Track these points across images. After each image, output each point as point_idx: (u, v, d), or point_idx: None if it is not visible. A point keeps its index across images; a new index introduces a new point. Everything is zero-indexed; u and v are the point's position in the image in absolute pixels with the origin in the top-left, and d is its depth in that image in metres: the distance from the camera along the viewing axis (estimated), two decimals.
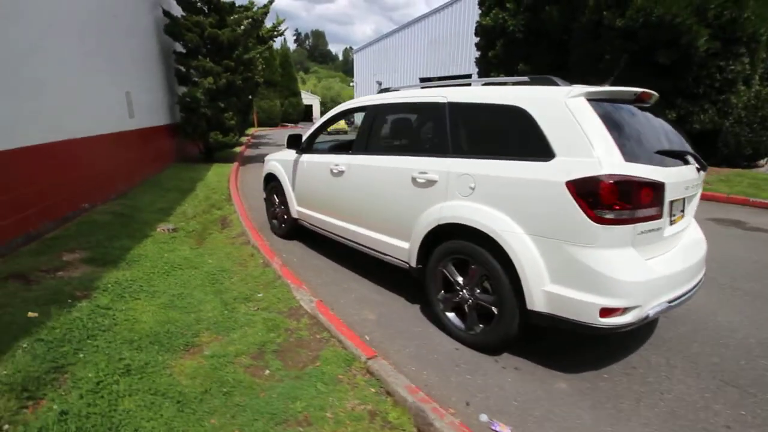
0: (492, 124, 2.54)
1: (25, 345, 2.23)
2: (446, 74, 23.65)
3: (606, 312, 2.06)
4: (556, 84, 2.38)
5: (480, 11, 11.86)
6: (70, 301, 2.84)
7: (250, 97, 14.13)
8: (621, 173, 1.98)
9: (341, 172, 3.59)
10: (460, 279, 2.68)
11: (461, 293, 2.68)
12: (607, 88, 2.27)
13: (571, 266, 2.10)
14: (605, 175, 1.98)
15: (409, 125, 3.18)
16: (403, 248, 3.07)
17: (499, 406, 2.15)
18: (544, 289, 2.20)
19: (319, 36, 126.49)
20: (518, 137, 2.38)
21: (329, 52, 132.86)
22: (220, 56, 9.90)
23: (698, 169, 2.44)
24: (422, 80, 25.52)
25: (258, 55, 11.01)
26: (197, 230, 5.03)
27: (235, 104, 10.66)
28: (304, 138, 4.28)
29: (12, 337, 2.29)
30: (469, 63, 21.68)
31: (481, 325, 2.60)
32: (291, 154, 4.52)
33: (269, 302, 3.10)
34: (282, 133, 28.99)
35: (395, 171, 3.04)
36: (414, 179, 2.87)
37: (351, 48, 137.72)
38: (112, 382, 2.03)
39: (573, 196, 2.05)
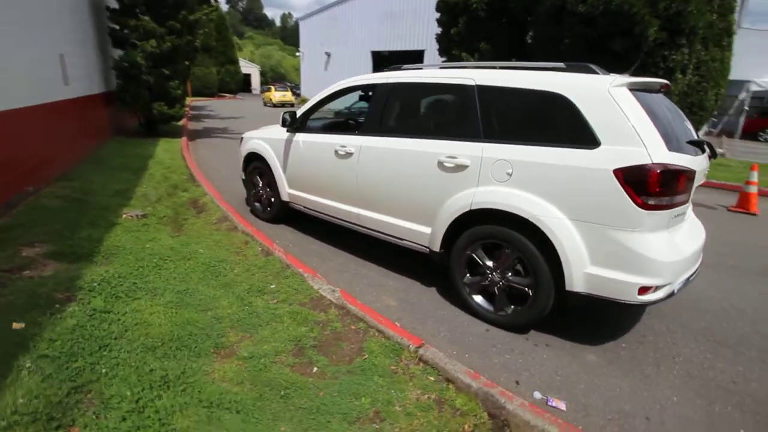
0: (529, 110, 2.55)
1: (28, 364, 1.88)
2: (401, 48, 23.29)
3: (643, 290, 2.22)
4: (594, 72, 2.43)
5: None
6: (56, 305, 2.44)
7: (187, 63, 12.78)
8: (667, 162, 2.10)
9: (349, 154, 3.41)
10: (489, 263, 2.73)
11: (491, 276, 2.73)
12: (643, 78, 2.36)
13: (615, 249, 2.22)
14: (654, 164, 2.09)
15: (431, 107, 3.08)
16: (423, 233, 3.04)
17: (545, 382, 2.26)
18: (585, 271, 2.31)
19: None
20: (559, 124, 2.41)
21: (265, 16, 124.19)
22: (162, 16, 8.77)
23: (709, 157, 2.68)
24: (374, 54, 24.92)
25: (205, 17, 9.92)
26: (169, 216, 4.55)
27: (182, 72, 9.62)
28: (297, 116, 3.99)
29: (7, 355, 1.92)
30: (425, 39, 21.56)
31: (512, 306, 2.68)
32: (280, 132, 4.20)
33: (286, 294, 2.92)
34: (222, 105, 27.03)
35: (418, 154, 2.96)
36: (441, 163, 2.81)
37: (290, 14, 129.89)
38: (153, 397, 1.80)
39: (620, 183, 2.15)
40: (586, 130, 2.28)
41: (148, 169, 6.72)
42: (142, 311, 2.50)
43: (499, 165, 2.55)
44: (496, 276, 2.71)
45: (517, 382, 2.25)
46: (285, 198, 4.27)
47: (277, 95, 26.12)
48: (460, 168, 2.73)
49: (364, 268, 3.60)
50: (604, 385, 2.26)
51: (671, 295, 2.33)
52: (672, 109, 2.60)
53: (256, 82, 55.19)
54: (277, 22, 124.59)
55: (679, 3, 7.63)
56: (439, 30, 12.51)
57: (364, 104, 15.49)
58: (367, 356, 2.27)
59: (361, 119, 4.58)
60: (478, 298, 2.84)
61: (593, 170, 2.23)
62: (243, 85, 44.19)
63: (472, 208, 2.66)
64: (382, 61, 27.81)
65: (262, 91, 42.70)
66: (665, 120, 2.34)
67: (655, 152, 2.11)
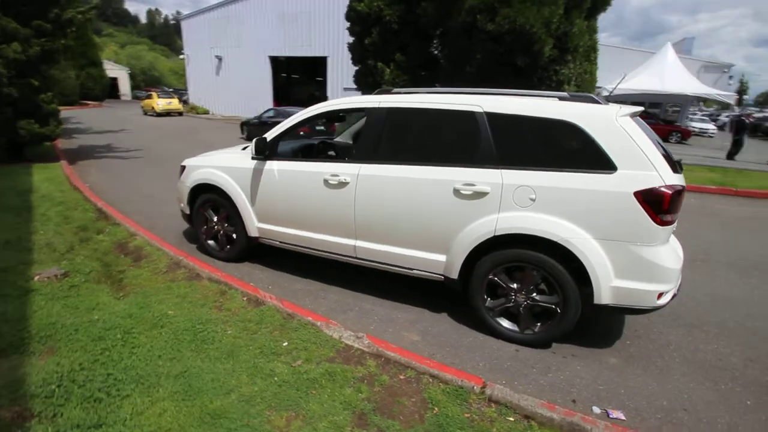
0: (544, 138, 2.67)
1: None
2: (302, 54, 22.59)
3: (659, 295, 2.51)
4: (597, 102, 2.65)
5: None
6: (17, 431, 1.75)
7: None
8: (675, 183, 2.40)
9: (343, 184, 3.16)
10: (513, 285, 2.79)
11: (514, 298, 2.80)
12: (636, 108, 2.66)
13: (636, 262, 2.46)
14: (666, 186, 2.37)
15: (437, 133, 3.01)
16: (436, 261, 2.97)
17: (593, 394, 2.39)
18: (611, 284, 2.52)
19: None
20: (575, 151, 2.58)
21: (127, 12, 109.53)
22: (25, 15, 7.03)
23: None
24: (273, 59, 23.78)
25: (81, 15, 8.25)
26: (98, 270, 3.67)
27: (53, 81, 7.87)
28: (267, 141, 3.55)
29: None
30: (327, 45, 21.30)
31: (538, 324, 2.79)
32: (242, 159, 3.71)
33: (307, 351, 2.57)
34: (90, 115, 22.98)
35: (430, 183, 2.88)
36: (457, 191, 2.78)
37: (157, 10, 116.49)
38: None
39: (640, 203, 2.38)
40: (603, 157, 2.48)
41: (35, 207, 5.34)
42: (145, 414, 1.95)
43: (522, 191, 2.63)
44: (520, 297, 2.79)
45: (574, 401, 2.34)
46: (253, 233, 3.78)
47: (161, 103, 23.22)
48: (479, 195, 2.73)
49: (366, 302, 3.38)
50: (637, 385, 2.49)
51: (674, 296, 2.68)
52: (649, 130, 2.99)
53: (125, 86, 48.18)
54: (142, 19, 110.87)
55: (566, 24, 8.89)
56: (350, 39, 12.52)
57: (272, 113, 14.74)
58: (437, 409, 2.12)
59: (337, 143, 4.35)
60: (503, 321, 2.89)
61: (615, 193, 2.43)
62: (110, 90, 38.16)
63: (497, 234, 2.69)
64: (282, 67, 26.81)
65: (138, 98, 37.53)
66: (656, 143, 2.67)
67: (665, 175, 2.39)
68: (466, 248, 2.81)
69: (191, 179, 4.04)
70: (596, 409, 2.28)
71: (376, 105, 3.16)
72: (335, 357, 2.53)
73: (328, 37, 21.01)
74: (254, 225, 3.75)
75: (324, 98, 22.72)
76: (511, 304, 2.82)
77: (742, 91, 45.32)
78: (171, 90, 33.46)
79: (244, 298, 3.18)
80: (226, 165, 3.81)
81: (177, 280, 3.51)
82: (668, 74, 16.07)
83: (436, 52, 11.26)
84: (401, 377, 2.38)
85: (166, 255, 4.00)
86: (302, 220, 3.47)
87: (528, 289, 2.76)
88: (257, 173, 3.60)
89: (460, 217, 2.81)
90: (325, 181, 3.24)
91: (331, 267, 3.75)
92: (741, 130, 14.29)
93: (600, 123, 2.51)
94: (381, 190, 3.05)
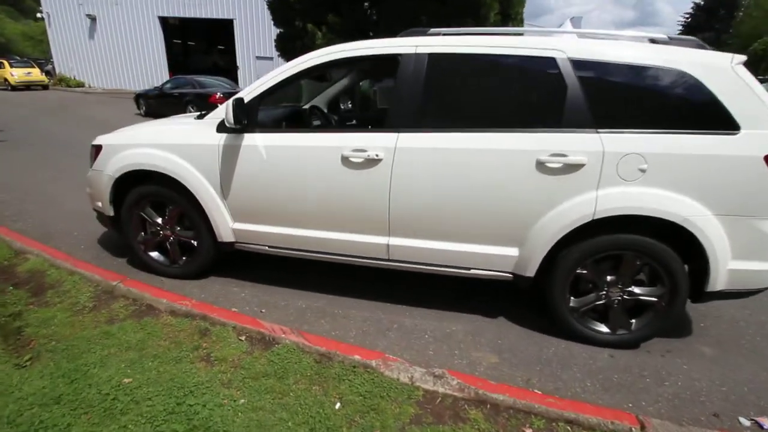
0: (652, 91, 2.09)
1: None
2: (200, 16, 19.38)
3: None
4: (703, 47, 2.15)
5: None
6: None
7: None
8: None
9: (372, 161, 2.27)
10: (606, 277, 2.26)
11: (606, 293, 2.27)
12: (742, 56, 2.21)
13: (760, 239, 2.07)
14: None
15: (506, 87, 2.25)
16: (506, 257, 2.30)
17: (722, 399, 2.01)
18: (728, 268, 2.11)
19: None
20: (691, 107, 2.06)
21: None
22: None
23: None
24: (163, 21, 20.11)
25: None
26: None
27: None
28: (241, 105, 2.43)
29: None
30: (232, 5, 18.56)
31: (632, 322, 2.32)
32: (203, 133, 2.56)
33: (377, 412, 1.72)
34: None
35: (502, 155, 2.15)
36: (541, 164, 2.10)
37: None
38: None
39: None
40: (722, 113, 2.00)
41: None
42: None
43: (629, 160, 2.04)
44: (613, 292, 2.27)
45: (716, 415, 1.91)
46: (226, 237, 2.68)
47: (16, 73, 18.37)
48: (571, 168, 2.09)
49: (400, 314, 2.59)
50: (753, 378, 2.16)
51: None
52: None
53: None
54: None
55: None
56: None
57: (175, 82, 12.34)
58: None
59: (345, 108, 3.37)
60: (592, 323, 2.36)
61: (742, 158, 1.98)
62: None
63: (596, 217, 2.09)
64: (177, 32, 23.08)
65: None
66: None
67: None
68: (550, 238, 2.18)
69: (115, 165, 2.72)
70: (744, 421, 1.88)
71: (411, 51, 2.29)
72: (421, 415, 1.74)
73: None
74: (228, 226, 2.66)
75: (233, 68, 20.14)
76: (603, 302, 2.30)
77: None
78: (25, 59, 26.67)
79: (242, 337, 2.16)
80: (176, 142, 2.60)
81: (118, 320, 2.31)
82: None
83: (374, 13, 10.27)
84: (511, 420, 1.69)
85: (85, 280, 2.69)
86: (306, 215, 2.50)
87: (625, 282, 2.25)
88: (230, 152, 2.49)
89: (544, 199, 2.15)
90: (345, 159, 2.31)
91: (329, 269, 2.84)
92: None
93: (717, 72, 2.01)
94: (430, 167, 2.23)
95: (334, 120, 3.72)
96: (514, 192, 2.18)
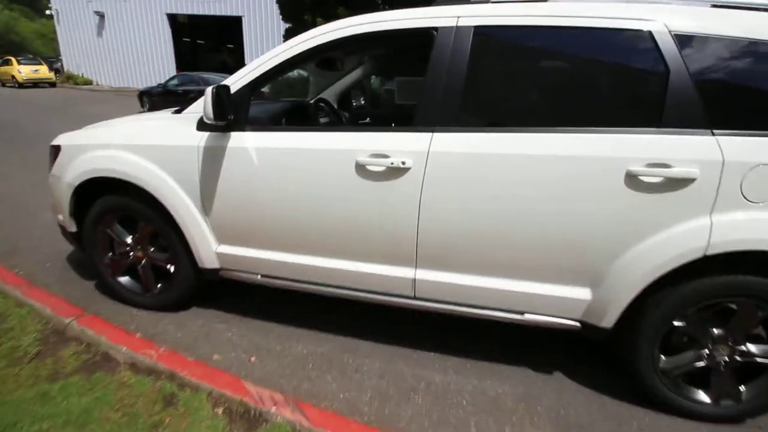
0: None
1: None
2: (208, 13, 19.00)
3: None
4: None
5: None
6: None
7: None
8: None
9: (397, 170, 1.71)
10: (714, 332, 1.66)
11: (712, 353, 1.67)
12: None
13: None
14: None
15: (580, 73, 1.67)
16: (575, 300, 1.71)
17: None
18: None
19: None
20: None
21: None
22: None
23: None
24: (171, 18, 19.79)
25: None
26: None
27: None
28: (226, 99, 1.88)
29: None
30: (241, 2, 18.15)
31: (742, 388, 1.71)
32: (180, 131, 2.02)
33: None
34: None
35: (577, 164, 1.56)
36: (633, 177, 1.51)
37: None
38: None
39: None
40: None
41: None
42: None
43: (759, 173, 1.45)
44: (721, 351, 1.67)
45: None
46: (209, 263, 2.13)
47: (23, 70, 18.20)
48: (676, 183, 1.50)
49: (430, 367, 1.99)
50: None
51: None
52: None
53: None
54: None
55: None
56: None
57: (180, 79, 11.90)
58: None
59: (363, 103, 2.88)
60: (687, 389, 1.76)
61: None
62: None
63: (710, 252, 1.50)
64: (185, 30, 22.78)
65: None
66: None
67: None
68: (640, 279, 1.58)
69: (75, 171, 2.19)
70: None
71: (451, 23, 1.71)
72: None
73: None
74: (210, 249, 2.11)
75: (241, 66, 19.64)
76: (705, 362, 1.70)
77: None
78: (34, 57, 26.61)
79: (219, 410, 1.59)
80: (144, 142, 2.05)
81: (63, 376, 1.77)
82: None
83: (386, 7, 9.70)
84: None
85: (35, 314, 2.16)
86: (308, 238, 1.94)
87: (738, 338, 1.65)
88: (213, 155, 1.94)
89: (635, 225, 1.56)
90: (360, 167, 1.74)
91: (336, 300, 2.28)
92: None
93: None
94: (474, 178, 1.66)
95: (345, 117, 3.16)
96: (592, 214, 1.59)
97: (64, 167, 2.26)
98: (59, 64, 22.85)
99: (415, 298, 1.90)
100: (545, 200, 1.61)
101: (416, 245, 1.79)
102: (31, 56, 23.42)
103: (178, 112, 2.17)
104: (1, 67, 19.16)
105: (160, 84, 12.36)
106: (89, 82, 21.31)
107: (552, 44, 1.67)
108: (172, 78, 12.35)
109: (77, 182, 2.19)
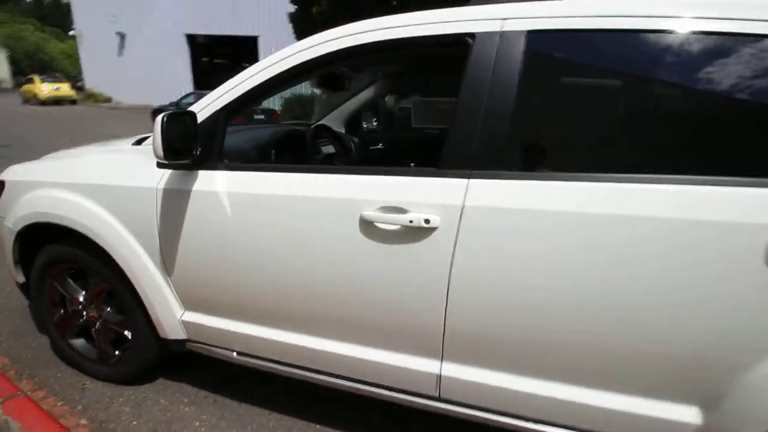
0: None
1: None
2: (223, 33, 19.22)
3: None
4: None
5: None
6: None
7: None
8: None
9: (419, 231, 1.21)
10: None
11: None
12: None
13: None
14: None
15: (693, 94, 1.17)
16: (676, 423, 1.17)
17: None
18: None
19: None
20: None
21: None
22: None
23: None
24: (190, 38, 20.12)
25: None
26: None
27: None
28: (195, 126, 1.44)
29: None
30: (258, 21, 18.37)
31: None
32: (138, 166, 1.57)
33: None
34: None
35: (688, 229, 1.04)
36: None
37: None
38: None
39: None
40: None
41: None
42: None
43: None
44: None
45: None
46: (173, 334, 1.66)
47: (45, 88, 18.63)
48: None
49: None
50: None
51: None
52: None
53: (3, 71, 40.28)
54: None
55: None
56: (292, 8, 10.30)
57: (193, 97, 11.78)
58: None
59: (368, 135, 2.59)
60: None
61: None
62: None
63: None
64: (203, 50, 23.16)
65: (20, 84, 31.15)
66: None
67: None
68: None
69: (16, 214, 1.77)
70: None
71: (494, 28, 1.23)
72: None
73: (259, 13, 18.05)
74: (174, 317, 1.63)
75: None
76: None
77: None
78: (58, 75, 27.45)
79: None
80: (92, 181, 1.62)
81: None
82: None
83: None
84: None
85: None
86: (297, 310, 1.45)
87: None
88: (176, 200, 1.48)
89: None
90: (366, 224, 1.26)
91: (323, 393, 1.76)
92: None
93: None
94: (530, 244, 1.15)
95: (353, 144, 2.69)
96: (711, 300, 1.06)
97: (8, 207, 1.84)
98: (82, 82, 23.43)
99: (439, 399, 1.38)
100: (637, 278, 1.09)
101: (443, 332, 1.28)
102: (55, 74, 24.14)
103: (138, 142, 1.74)
104: (25, 86, 19.68)
105: (173, 103, 12.31)
106: (109, 100, 21.71)
107: (639, 54, 1.17)
108: (186, 96, 12.30)
109: (18, 227, 1.77)
